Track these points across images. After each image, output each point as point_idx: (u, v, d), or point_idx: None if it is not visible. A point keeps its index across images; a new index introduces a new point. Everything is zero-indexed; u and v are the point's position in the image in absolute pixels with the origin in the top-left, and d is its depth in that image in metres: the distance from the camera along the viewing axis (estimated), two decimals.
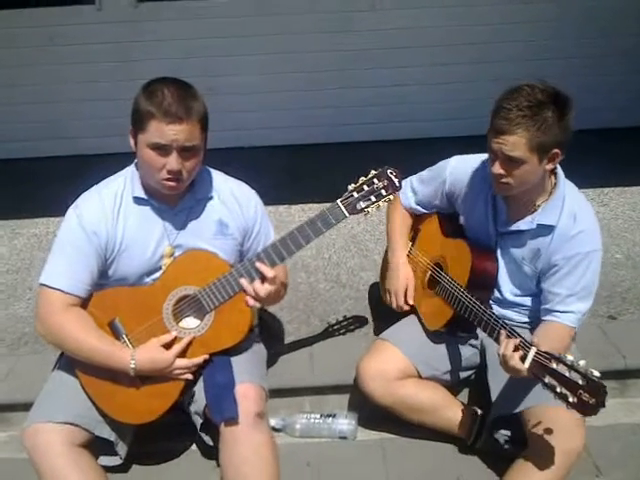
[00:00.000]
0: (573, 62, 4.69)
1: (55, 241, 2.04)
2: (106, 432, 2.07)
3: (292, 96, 4.76)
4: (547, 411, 1.99)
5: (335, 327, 2.80)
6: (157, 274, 2.07)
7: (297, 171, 4.37)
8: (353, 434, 2.43)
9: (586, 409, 1.62)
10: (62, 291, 1.96)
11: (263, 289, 1.98)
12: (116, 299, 2.05)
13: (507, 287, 2.21)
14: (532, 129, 1.86)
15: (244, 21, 4.56)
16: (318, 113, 4.80)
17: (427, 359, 2.28)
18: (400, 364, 2.24)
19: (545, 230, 2.07)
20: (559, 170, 2.09)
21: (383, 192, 1.96)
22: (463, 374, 2.35)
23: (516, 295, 2.22)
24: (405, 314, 2.44)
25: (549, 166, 1.97)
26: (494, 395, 2.16)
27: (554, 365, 1.67)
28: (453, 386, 2.36)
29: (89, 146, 4.70)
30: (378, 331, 2.62)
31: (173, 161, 1.89)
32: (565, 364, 1.65)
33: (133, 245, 2.03)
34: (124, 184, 2.05)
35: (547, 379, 1.68)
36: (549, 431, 1.97)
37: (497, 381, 2.16)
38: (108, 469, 2.15)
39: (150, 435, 2.17)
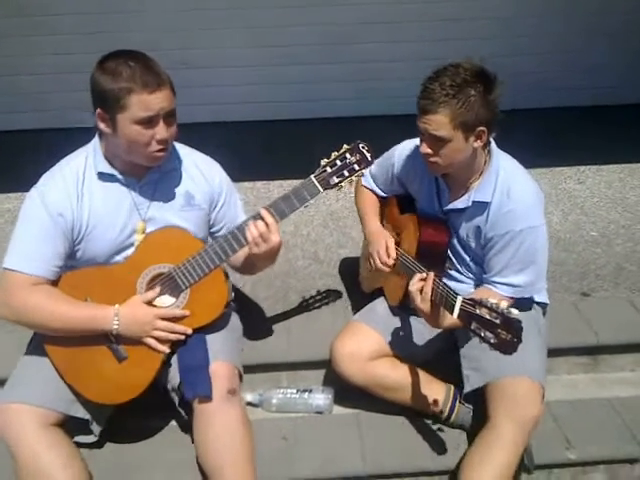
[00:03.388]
0: (559, 40, 4.68)
1: (18, 224, 1.94)
2: (81, 412, 2.06)
3: (270, 71, 4.70)
4: (506, 383, 2.03)
5: (312, 303, 2.80)
6: (128, 252, 2.03)
7: (275, 147, 4.34)
8: (329, 409, 2.45)
9: (505, 347, 1.65)
10: (28, 274, 1.89)
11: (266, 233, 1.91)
12: (87, 279, 2.00)
13: (463, 261, 2.25)
14: (454, 107, 1.88)
15: None
16: (296, 88, 4.75)
17: (401, 337, 2.29)
18: (373, 345, 2.26)
19: (481, 207, 2.10)
20: (493, 146, 2.11)
21: (356, 167, 1.96)
22: (437, 350, 2.36)
23: (474, 269, 2.25)
24: (377, 295, 2.45)
25: (477, 144, 1.98)
26: (465, 369, 2.19)
27: (478, 311, 1.70)
28: (428, 362, 2.37)
29: (62, 119, 4.57)
30: (355, 307, 2.63)
31: (162, 130, 1.86)
32: (486, 307, 1.69)
33: (101, 223, 1.97)
34: (85, 160, 1.98)
35: (473, 325, 1.71)
36: (506, 402, 2.00)
37: (468, 356, 2.20)
38: (85, 445, 2.15)
39: (128, 412, 2.16)
